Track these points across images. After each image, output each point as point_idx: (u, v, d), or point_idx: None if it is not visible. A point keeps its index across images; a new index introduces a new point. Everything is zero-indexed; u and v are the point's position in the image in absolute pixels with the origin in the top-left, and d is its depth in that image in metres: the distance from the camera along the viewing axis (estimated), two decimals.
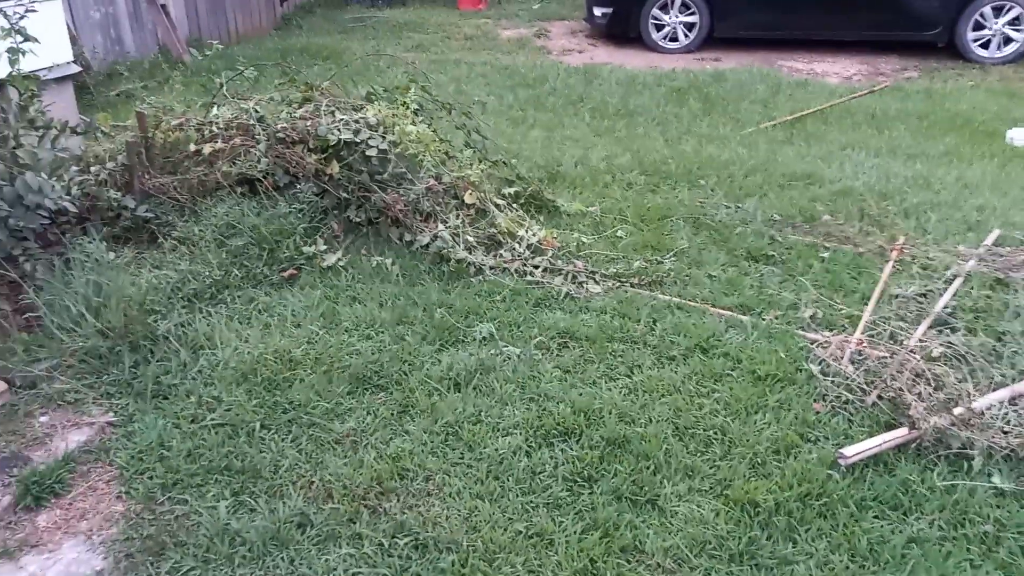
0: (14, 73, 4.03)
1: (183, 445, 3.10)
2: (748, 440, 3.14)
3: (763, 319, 3.96)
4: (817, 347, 3.70)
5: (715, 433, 3.20)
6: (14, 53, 3.95)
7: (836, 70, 9.49)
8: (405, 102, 5.02)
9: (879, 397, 3.32)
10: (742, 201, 5.31)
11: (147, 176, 4.65)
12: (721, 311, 4.04)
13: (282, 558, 2.64)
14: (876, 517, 2.80)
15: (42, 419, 3.21)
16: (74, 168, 4.14)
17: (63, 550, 2.70)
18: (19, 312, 3.64)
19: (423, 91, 5.36)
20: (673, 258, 4.60)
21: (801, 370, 3.55)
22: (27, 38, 3.96)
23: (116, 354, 3.47)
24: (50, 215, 3.77)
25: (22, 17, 3.95)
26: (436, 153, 4.77)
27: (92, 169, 4.38)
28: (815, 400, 3.37)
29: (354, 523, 2.78)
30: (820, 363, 3.58)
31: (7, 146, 3.62)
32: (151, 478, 2.97)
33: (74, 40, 7.72)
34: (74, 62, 5.71)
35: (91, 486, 2.96)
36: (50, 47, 5.17)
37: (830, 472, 2.97)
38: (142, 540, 2.72)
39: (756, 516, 2.79)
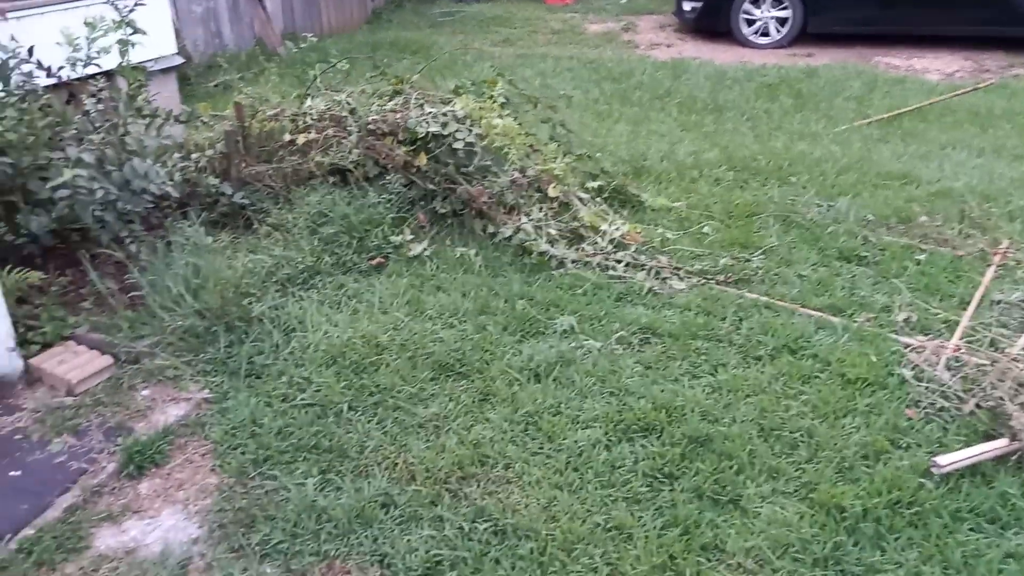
0: (124, 64, 4.23)
1: (274, 423, 3.22)
2: (836, 444, 3.06)
3: (854, 321, 3.84)
4: (911, 352, 3.58)
5: (801, 435, 3.13)
6: (124, 45, 4.15)
7: (937, 66, 9.10)
8: (492, 96, 5.05)
9: (977, 406, 3.19)
10: (834, 200, 5.16)
11: (244, 164, 4.83)
12: (811, 311, 3.95)
13: (366, 536, 2.71)
14: (971, 529, 2.70)
15: (144, 393, 3.37)
16: (176, 155, 4.32)
17: (162, 517, 2.84)
18: (124, 291, 3.83)
19: (510, 85, 5.39)
20: (761, 256, 4.51)
21: (893, 375, 3.44)
22: (136, 30, 4.16)
23: (212, 334, 3.62)
24: (154, 199, 3.95)
25: (131, 10, 4.14)
26: (521, 146, 4.79)
27: (192, 156, 4.57)
28: (907, 406, 3.26)
29: (436, 505, 2.83)
30: (913, 368, 3.46)
31: (116, 133, 3.81)
32: (243, 453, 3.09)
33: (177, 33, 8.06)
34: (178, 53, 5.95)
35: (188, 458, 3.10)
36: (156, 39, 5.41)
37: (922, 480, 2.87)
38: (234, 512, 2.83)
39: (842, 521, 2.72)
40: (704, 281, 4.28)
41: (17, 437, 3.11)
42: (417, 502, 2.84)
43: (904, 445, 3.06)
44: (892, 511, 2.75)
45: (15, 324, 3.52)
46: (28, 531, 2.70)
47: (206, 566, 2.63)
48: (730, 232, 4.81)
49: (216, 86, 8.02)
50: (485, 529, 2.73)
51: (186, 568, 2.62)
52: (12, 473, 2.92)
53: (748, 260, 4.46)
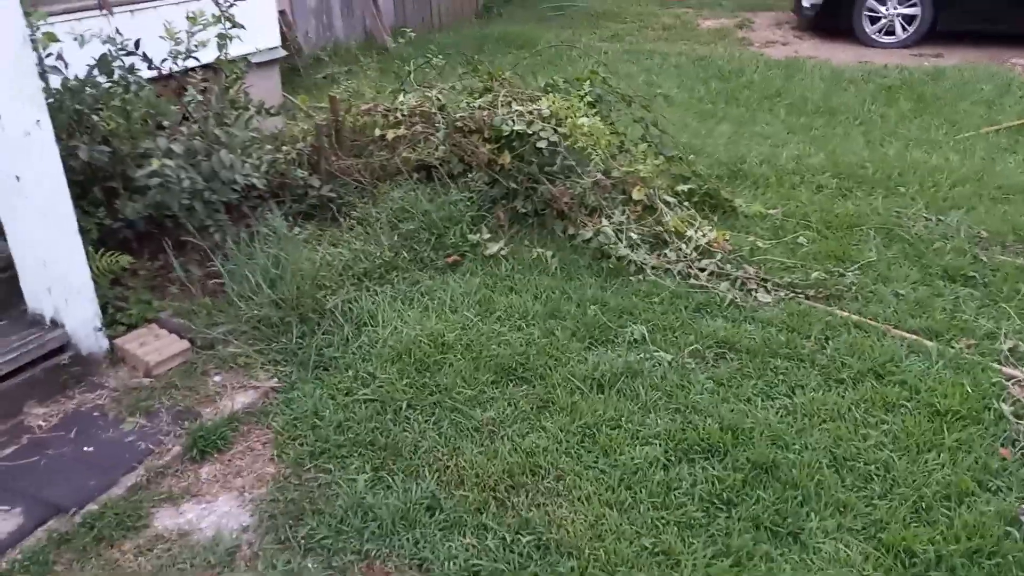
0: (222, 57, 4.37)
1: (335, 416, 3.25)
2: (914, 481, 2.83)
3: (952, 347, 3.56)
4: (1014, 384, 3.28)
5: (877, 468, 2.91)
6: (222, 39, 4.29)
7: None
8: (580, 94, 4.96)
9: None
10: (945, 213, 4.81)
11: (334, 158, 4.92)
12: (904, 333, 3.68)
13: (408, 538, 2.69)
14: None
15: (215, 378, 3.48)
16: (267, 147, 4.44)
17: (218, 502, 2.92)
18: (207, 278, 3.97)
19: (604, 83, 5.27)
20: (857, 271, 4.25)
21: (990, 409, 3.16)
22: (235, 24, 4.29)
23: (286, 324, 3.70)
24: (241, 190, 4.07)
25: (231, 5, 4.27)
26: (607, 147, 4.67)
27: (283, 148, 4.69)
28: (1003, 445, 2.98)
29: (481, 513, 2.79)
30: (1015, 403, 3.17)
31: (207, 124, 3.94)
32: (302, 445, 3.14)
33: (290, 26, 8.33)
34: (281, 47, 6.13)
35: (249, 446, 3.17)
36: (259, 32, 5.59)
37: (1009, 529, 2.61)
38: (285, 503, 2.88)
39: (911, 567, 2.51)
40: (792, 295, 4.06)
41: (95, 414, 3.26)
42: (463, 508, 2.81)
43: (992, 488, 2.80)
44: (969, 560, 2.52)
45: (106, 305, 3.70)
46: (93, 506, 2.83)
47: (252, 555, 2.68)
48: (826, 243, 4.55)
49: (324, 78, 8.24)
50: (528, 542, 2.66)
51: (234, 555, 2.68)
52: (86, 449, 3.07)
53: (842, 275, 4.21)
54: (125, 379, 3.48)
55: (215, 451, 3.13)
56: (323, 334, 3.71)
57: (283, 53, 6.17)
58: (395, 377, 3.44)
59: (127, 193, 3.97)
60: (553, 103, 4.73)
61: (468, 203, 4.60)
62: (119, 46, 4.18)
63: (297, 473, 3.02)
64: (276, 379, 3.50)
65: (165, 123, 4.07)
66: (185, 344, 3.59)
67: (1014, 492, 2.76)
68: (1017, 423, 3.07)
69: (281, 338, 3.68)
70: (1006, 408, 3.14)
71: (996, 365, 3.42)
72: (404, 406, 3.30)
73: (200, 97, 4.27)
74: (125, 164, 3.97)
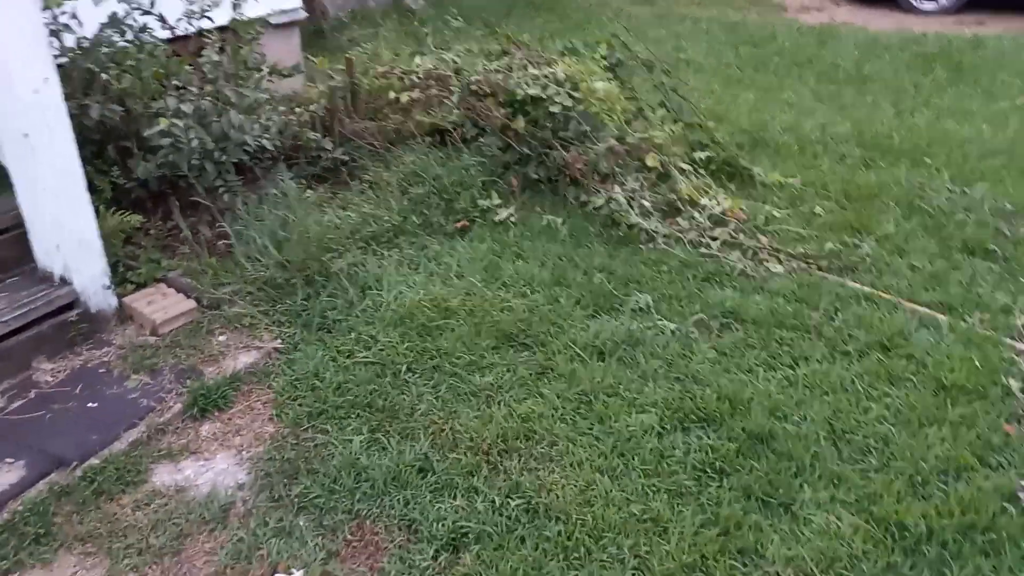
0: (236, 18, 4.37)
1: (335, 378, 3.28)
2: (913, 455, 2.78)
3: (965, 321, 3.47)
4: None
5: (876, 442, 2.86)
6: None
7: None
8: (597, 57, 4.88)
9: None
10: (971, 185, 4.67)
11: (348, 120, 4.92)
12: (916, 306, 3.60)
13: (399, 500, 2.71)
14: None
15: (220, 338, 3.52)
16: (281, 108, 4.44)
17: (216, 460, 2.96)
18: (217, 239, 4.00)
19: (624, 47, 5.18)
20: (874, 243, 4.15)
21: (998, 384, 3.09)
22: None
23: (291, 286, 3.72)
24: (252, 152, 4.08)
25: None
26: (623, 112, 4.60)
27: (297, 110, 4.69)
28: (1007, 421, 2.91)
29: (472, 476, 2.80)
30: None
31: (218, 85, 3.95)
32: (301, 405, 3.17)
33: None
34: (303, 8, 6.11)
35: (250, 405, 3.21)
36: None
37: (1006, 505, 2.56)
38: (281, 462, 2.91)
39: (902, 540, 2.47)
40: (805, 266, 3.99)
41: (101, 371, 3.33)
42: (455, 470, 2.82)
43: (993, 464, 2.74)
44: (963, 535, 2.47)
45: (116, 264, 3.76)
46: (94, 460, 2.89)
47: (246, 512, 2.72)
48: (844, 214, 4.45)
49: (349, 41, 8.22)
50: (517, 506, 2.67)
51: (227, 512, 2.72)
52: (90, 404, 3.13)
53: (858, 246, 4.12)
54: (132, 337, 3.54)
55: (216, 409, 3.17)
56: (327, 296, 3.73)
57: (303, 15, 6.14)
58: (396, 341, 3.46)
59: (140, 153, 4.01)
60: (569, 67, 4.66)
61: (480, 168, 4.57)
62: (134, 5, 4.19)
63: (295, 433, 3.05)
64: (279, 340, 3.53)
65: (178, 83, 4.09)
66: (192, 304, 3.63)
67: (1015, 468, 2.70)
68: None
69: (286, 300, 3.71)
70: (1014, 384, 3.06)
71: (1008, 340, 3.33)
72: (404, 369, 3.31)
73: (215, 58, 4.28)
74: (139, 124, 4.01)
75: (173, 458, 2.96)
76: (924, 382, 3.12)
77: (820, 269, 3.96)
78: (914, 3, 9.33)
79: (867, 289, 3.74)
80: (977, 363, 3.17)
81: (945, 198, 4.53)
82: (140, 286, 3.75)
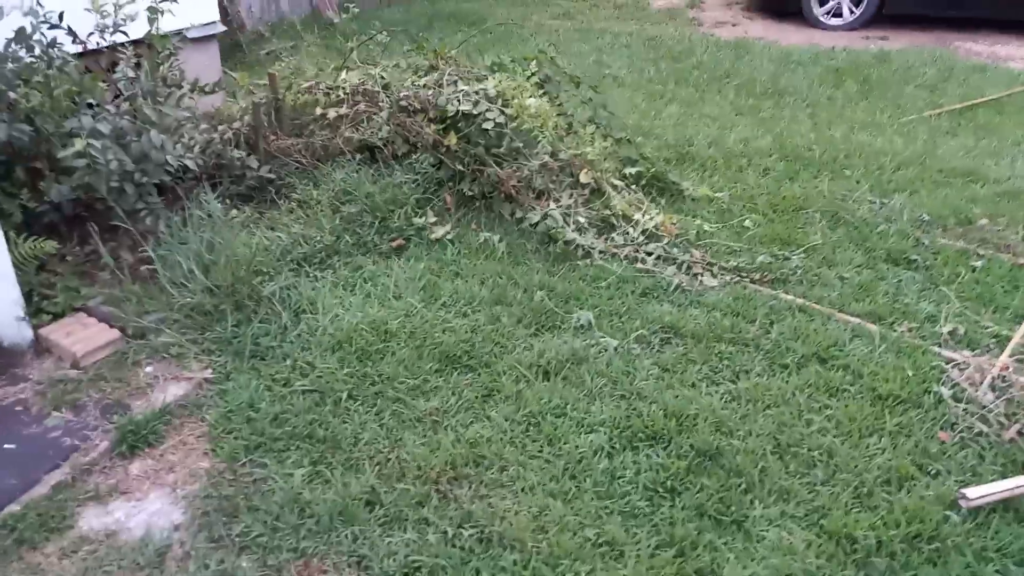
0: (153, 32, 4.18)
1: (271, 408, 3.14)
2: (856, 466, 2.84)
3: (895, 330, 3.58)
4: (953, 368, 3.32)
5: (820, 454, 2.91)
6: (153, 12, 4.10)
7: (1022, 54, 8.52)
8: (528, 74, 4.87)
9: (1019, 433, 2.93)
10: (889, 196, 4.85)
11: (273, 137, 4.76)
12: (848, 317, 3.69)
13: (346, 535, 2.61)
14: (997, 572, 2.47)
15: (147, 369, 3.35)
16: (202, 126, 4.27)
17: (148, 500, 2.80)
18: (139, 264, 3.81)
19: (552, 63, 5.18)
20: (803, 255, 4.25)
21: (930, 392, 3.19)
22: None
23: (220, 312, 3.57)
24: (174, 172, 3.90)
25: None
26: (555, 129, 4.60)
27: (220, 128, 4.51)
28: (942, 428, 3.01)
29: (422, 507, 2.72)
30: (953, 387, 3.20)
31: (137, 103, 3.77)
32: (237, 438, 3.03)
33: (231, 0, 8.06)
34: (221, 21, 5.91)
35: (182, 440, 3.05)
36: (195, 5, 5.36)
37: (948, 513, 2.64)
38: (219, 500, 2.77)
39: (853, 553, 2.52)
40: (738, 279, 4.05)
41: (18, 408, 3.11)
42: (404, 502, 2.73)
43: (932, 472, 2.82)
44: (910, 545, 2.53)
45: (31, 293, 3.53)
46: (14, 507, 2.69)
47: (184, 555, 2.58)
48: (772, 227, 4.55)
49: (267, 54, 7.99)
50: (470, 536, 2.61)
51: (164, 556, 2.57)
52: (7, 446, 2.92)
53: (788, 258, 4.21)
54: (51, 371, 3.32)
55: (146, 446, 3.00)
56: (260, 322, 3.58)
57: (222, 28, 5.94)
58: (335, 367, 3.35)
59: (53, 174, 3.78)
60: (499, 83, 4.63)
61: (413, 185, 4.49)
62: (41, 19, 3.96)
63: (232, 468, 2.91)
64: (210, 370, 3.37)
65: (91, 101, 3.88)
66: (115, 334, 3.44)
67: (953, 476, 2.79)
68: (955, 406, 3.10)
69: (215, 327, 3.55)
70: (945, 392, 3.17)
71: (936, 349, 3.45)
72: (344, 397, 3.21)
73: (131, 74, 4.08)
74: (50, 144, 3.78)
75: (101, 500, 2.78)
76: (861, 392, 3.20)
77: (753, 282, 4.03)
78: (821, 19, 9.68)
79: (800, 301, 3.83)
80: (909, 372, 3.28)
81: (867, 209, 4.69)
82: (57, 316, 3.53)
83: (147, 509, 2.76)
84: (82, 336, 3.39)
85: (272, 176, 4.55)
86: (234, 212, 4.26)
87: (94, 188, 3.66)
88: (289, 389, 3.24)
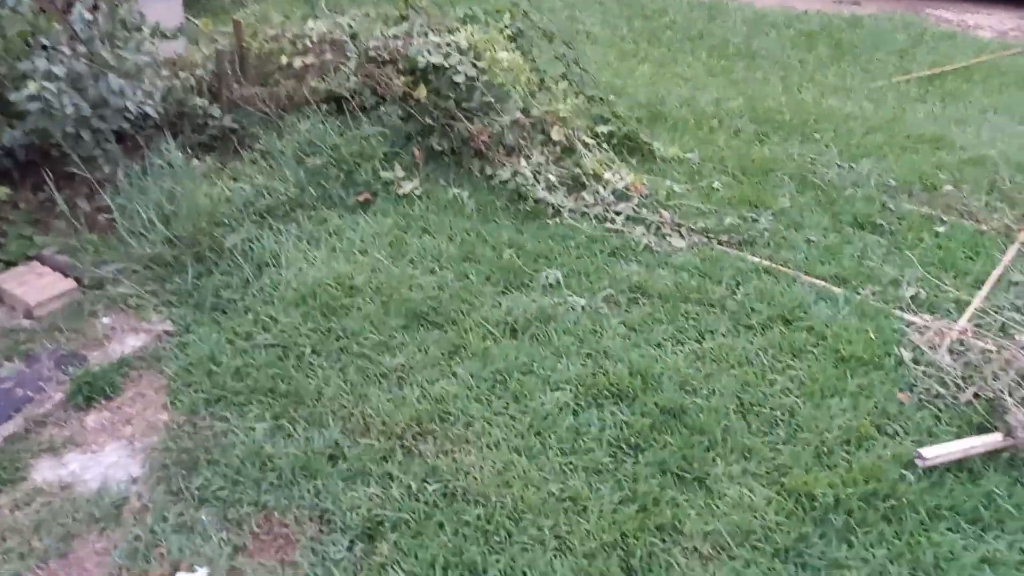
0: None
1: (233, 362, 3.09)
2: (818, 426, 2.87)
3: (858, 293, 3.61)
4: (913, 331, 3.35)
5: (782, 414, 2.94)
6: None
7: (991, 23, 8.57)
8: (500, 27, 4.77)
9: (975, 395, 2.98)
10: (857, 161, 4.86)
11: (237, 86, 4.63)
12: (813, 280, 3.71)
13: (308, 489, 2.59)
14: (949, 529, 2.51)
15: (104, 320, 3.27)
16: (164, 72, 4.13)
17: (105, 452, 2.75)
18: (96, 213, 3.70)
19: (525, 16, 5.09)
20: (771, 217, 4.26)
21: (891, 355, 3.22)
22: None
23: (181, 263, 3.49)
24: (133, 119, 3.78)
25: None
26: (527, 84, 4.53)
27: (181, 75, 4.38)
28: (901, 390, 3.05)
29: (386, 462, 2.70)
30: (914, 349, 3.24)
31: (94, 46, 3.62)
32: (197, 391, 2.98)
33: None
34: None
35: (140, 392, 2.99)
36: None
37: (904, 472, 2.68)
38: (179, 453, 2.73)
39: (811, 510, 2.55)
40: (706, 240, 4.05)
41: None
42: (368, 456, 2.71)
43: (891, 432, 2.86)
44: (866, 503, 2.57)
45: None
46: None
47: (142, 507, 2.54)
48: (741, 189, 4.55)
49: (232, 2, 7.78)
50: (434, 491, 2.60)
51: (121, 508, 2.53)
52: None
53: (756, 220, 4.21)
54: (2, 320, 3.23)
55: (102, 398, 2.94)
56: (221, 275, 3.51)
57: None
58: (298, 321, 3.29)
59: (5, 118, 3.64)
60: (471, 36, 4.54)
61: (381, 138, 4.41)
62: None
63: (192, 421, 2.87)
64: (170, 322, 3.30)
65: (46, 43, 3.72)
66: (71, 283, 3.35)
67: (910, 436, 2.83)
68: (915, 369, 3.14)
69: (175, 278, 3.47)
70: (906, 354, 3.21)
71: (898, 312, 3.49)
72: (308, 352, 3.16)
73: (89, 16, 3.92)
74: (2, 86, 3.63)
75: (56, 452, 2.73)
76: (824, 354, 3.23)
77: (721, 243, 4.03)
78: None
79: (766, 263, 3.84)
80: (872, 335, 3.31)
81: (835, 173, 4.70)
82: (9, 264, 3.43)
83: (103, 461, 2.71)
84: (36, 285, 3.29)
85: (235, 126, 4.44)
86: (195, 162, 4.15)
87: (49, 133, 3.53)
88: (251, 343, 3.19)
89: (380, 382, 3.05)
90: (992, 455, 2.74)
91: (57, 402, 2.87)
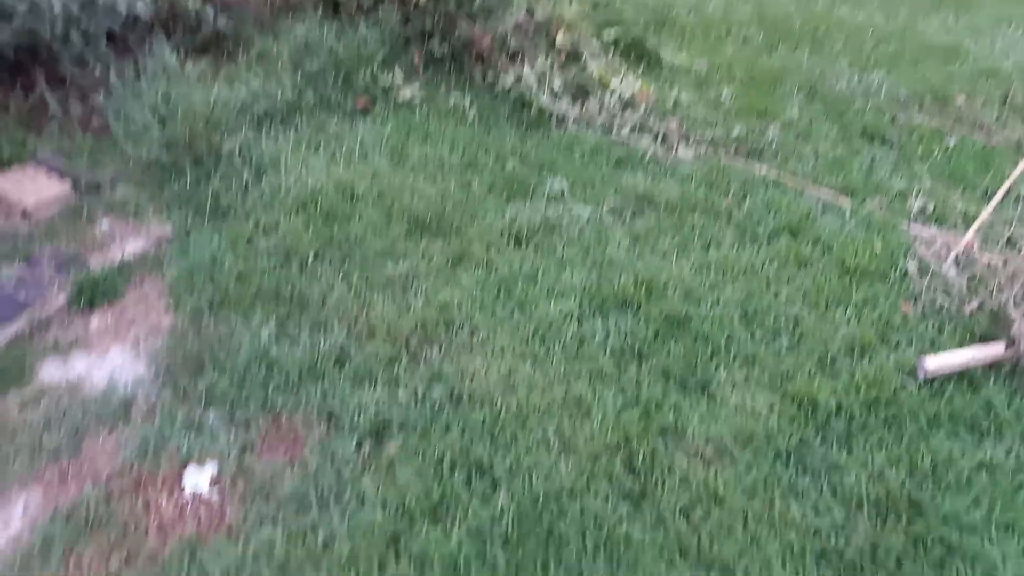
0: None
1: (235, 266, 3.06)
2: (821, 335, 2.88)
3: (866, 205, 3.58)
4: (920, 243, 3.34)
5: (786, 323, 2.95)
6: None
7: None
8: None
9: (979, 307, 2.98)
10: (868, 72, 4.76)
11: None
12: (821, 192, 3.67)
13: (315, 391, 2.60)
14: (947, 436, 2.55)
15: (103, 224, 3.22)
16: None
17: (110, 354, 2.74)
18: (89, 116, 3.60)
19: None
20: (779, 128, 4.19)
21: (897, 267, 3.22)
22: None
23: (179, 168, 3.42)
24: (123, 20, 3.64)
25: None
26: None
27: None
28: (905, 301, 3.05)
29: (393, 366, 2.71)
30: (920, 261, 3.23)
31: None
32: (200, 296, 2.95)
33: None
34: None
35: (143, 296, 2.97)
36: None
37: (905, 381, 2.70)
38: (184, 355, 2.72)
39: (813, 417, 2.58)
40: (713, 151, 3.99)
41: None
42: (373, 361, 2.72)
43: (894, 342, 2.88)
44: (868, 410, 2.60)
45: None
46: None
47: (148, 407, 2.55)
48: (749, 99, 4.46)
49: None
50: (440, 394, 2.61)
51: (128, 408, 2.54)
52: None
53: (764, 131, 4.14)
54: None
55: (105, 301, 2.92)
56: (220, 179, 3.44)
57: None
58: (300, 227, 3.25)
59: None
60: None
61: (379, 42, 4.27)
62: None
63: (195, 324, 2.85)
64: (169, 226, 3.25)
65: None
66: (67, 186, 3.28)
67: (913, 347, 2.85)
68: (920, 280, 3.13)
69: (173, 183, 3.41)
70: (912, 266, 3.20)
71: (905, 224, 3.47)
72: (311, 258, 3.13)
73: None
74: None
75: (61, 353, 2.72)
76: (829, 265, 3.22)
77: (728, 154, 3.97)
78: None
79: (774, 174, 3.79)
80: (878, 246, 3.29)
81: (844, 84, 4.60)
82: (3, 165, 3.34)
83: (109, 363, 2.71)
84: (32, 188, 3.23)
85: (228, 28, 4.29)
86: (189, 65, 4.02)
87: (37, 34, 3.41)
88: (253, 248, 3.15)
89: (384, 289, 3.03)
90: (993, 367, 2.76)
91: (60, 305, 2.85)
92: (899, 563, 2.14)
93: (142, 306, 2.93)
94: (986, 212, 3.52)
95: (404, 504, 2.23)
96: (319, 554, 2.11)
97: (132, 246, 3.13)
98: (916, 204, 3.58)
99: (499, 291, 3.04)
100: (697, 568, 2.12)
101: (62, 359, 2.70)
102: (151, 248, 3.14)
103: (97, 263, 3.03)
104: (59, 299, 2.87)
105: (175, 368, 2.68)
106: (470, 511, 2.22)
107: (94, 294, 2.90)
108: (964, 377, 2.73)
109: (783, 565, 2.12)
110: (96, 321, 2.86)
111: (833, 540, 2.19)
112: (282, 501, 2.26)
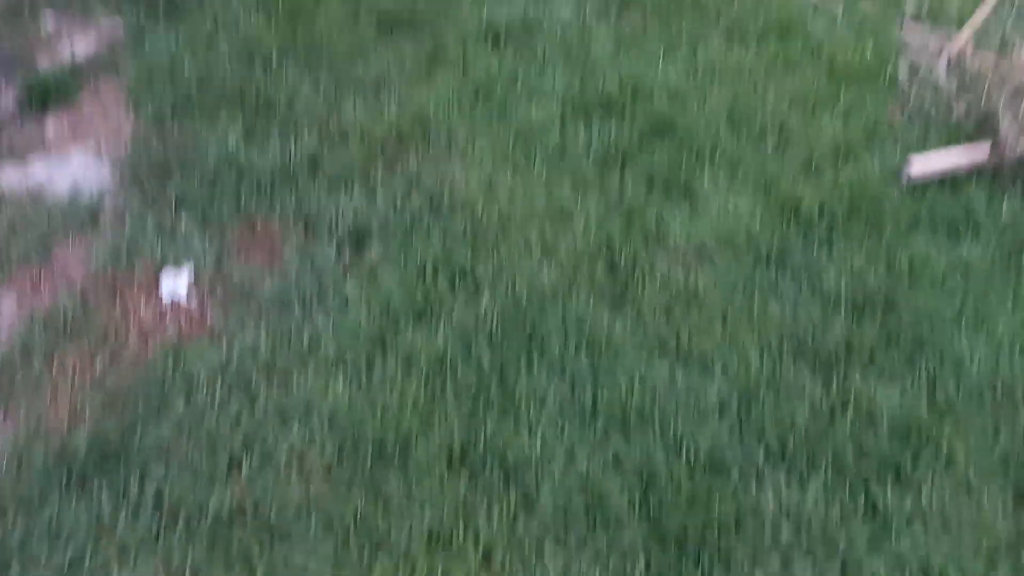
0: None
1: (196, 69, 2.89)
2: (807, 139, 2.83)
3: (858, 5, 3.42)
4: (913, 45, 3.22)
5: (772, 126, 2.87)
6: None
7: None
8: None
9: (968, 110, 2.92)
10: None
11: None
12: None
13: (290, 196, 2.52)
14: (926, 237, 2.56)
15: (47, 22, 2.98)
16: None
17: (71, 159, 2.62)
18: None
19: None
20: None
21: (886, 70, 3.12)
22: None
23: None
24: None
25: None
26: None
27: None
28: (892, 106, 2.98)
29: (368, 173, 2.62)
30: (910, 64, 3.13)
31: None
32: (160, 99, 2.80)
33: None
34: None
35: (99, 100, 2.81)
36: None
37: (888, 184, 2.68)
38: (149, 159, 2.61)
39: (796, 219, 2.56)
40: None
41: None
42: (349, 167, 2.63)
43: (880, 147, 2.83)
44: (850, 212, 2.59)
45: None
46: None
47: (117, 213, 2.46)
48: None
49: None
50: (419, 202, 2.54)
51: (95, 215, 2.45)
52: None
53: None
54: None
55: (59, 105, 2.75)
56: None
57: None
58: (262, 25, 3.05)
59: None
60: None
61: None
62: None
63: (159, 129, 2.72)
64: (121, 26, 3.02)
65: None
66: None
67: (899, 152, 2.80)
68: (910, 84, 3.05)
69: None
70: (902, 69, 3.10)
71: (899, 25, 3.33)
72: (275, 59, 2.95)
73: None
74: None
75: (19, 157, 2.59)
76: (818, 67, 3.12)
77: None
78: None
79: None
80: (869, 48, 3.18)
81: None
82: None
83: (71, 169, 2.59)
84: None
85: None
86: None
87: None
88: (213, 50, 2.96)
89: (355, 92, 2.88)
90: (976, 173, 2.73)
91: (9, 107, 2.68)
92: (872, 357, 2.20)
93: (100, 110, 2.78)
94: (981, 14, 3.38)
95: (388, 306, 2.22)
96: (305, 354, 2.11)
97: (82, 46, 2.93)
98: (909, 6, 3.42)
99: (477, 95, 2.91)
100: (676, 363, 2.16)
101: (21, 165, 2.58)
102: (103, 49, 2.94)
103: (45, 64, 2.84)
104: (8, 101, 2.69)
105: (141, 173, 2.57)
106: (454, 313, 2.22)
107: (46, 97, 2.74)
108: (946, 182, 2.71)
109: (760, 358, 2.17)
110: (52, 126, 2.72)
111: (810, 336, 2.23)
112: (263, 305, 2.24)
